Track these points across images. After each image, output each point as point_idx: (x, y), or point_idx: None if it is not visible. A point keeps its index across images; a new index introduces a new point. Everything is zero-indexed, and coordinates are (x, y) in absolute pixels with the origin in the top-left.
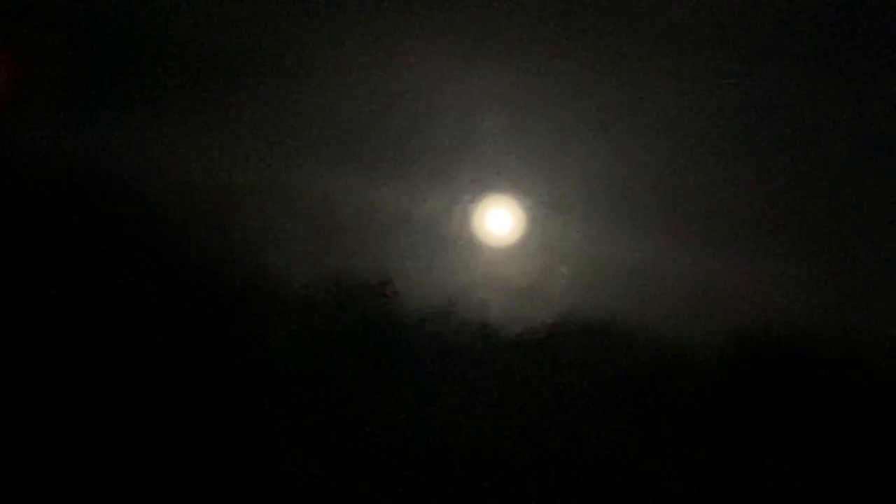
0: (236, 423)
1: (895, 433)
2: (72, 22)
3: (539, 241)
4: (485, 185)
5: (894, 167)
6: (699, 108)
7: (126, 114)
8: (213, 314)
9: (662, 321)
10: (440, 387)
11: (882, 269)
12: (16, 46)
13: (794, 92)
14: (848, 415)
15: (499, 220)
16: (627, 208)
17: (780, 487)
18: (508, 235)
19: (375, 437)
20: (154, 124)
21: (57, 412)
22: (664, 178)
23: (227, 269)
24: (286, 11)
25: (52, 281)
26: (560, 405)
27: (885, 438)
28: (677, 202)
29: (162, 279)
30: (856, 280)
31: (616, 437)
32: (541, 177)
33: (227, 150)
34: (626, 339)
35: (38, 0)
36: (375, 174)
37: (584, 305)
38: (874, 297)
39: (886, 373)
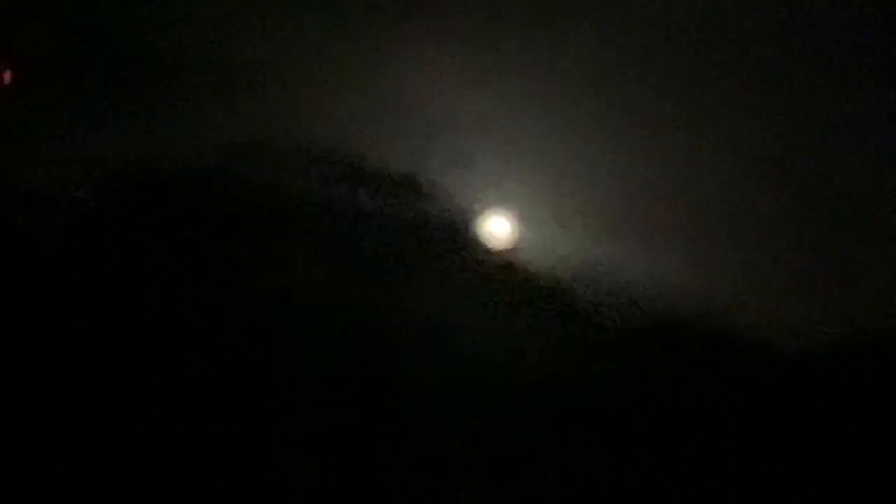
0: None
1: None
2: (71, 26)
3: (539, 250)
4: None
5: None
6: (700, 112)
7: (123, 114)
8: (230, 322)
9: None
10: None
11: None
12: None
13: (797, 92)
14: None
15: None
16: (630, 216)
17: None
18: (509, 245)
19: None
20: (152, 120)
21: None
22: (669, 182)
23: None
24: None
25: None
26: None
27: None
28: (685, 209)
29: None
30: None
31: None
32: (540, 188)
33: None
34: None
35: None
36: (374, 185)
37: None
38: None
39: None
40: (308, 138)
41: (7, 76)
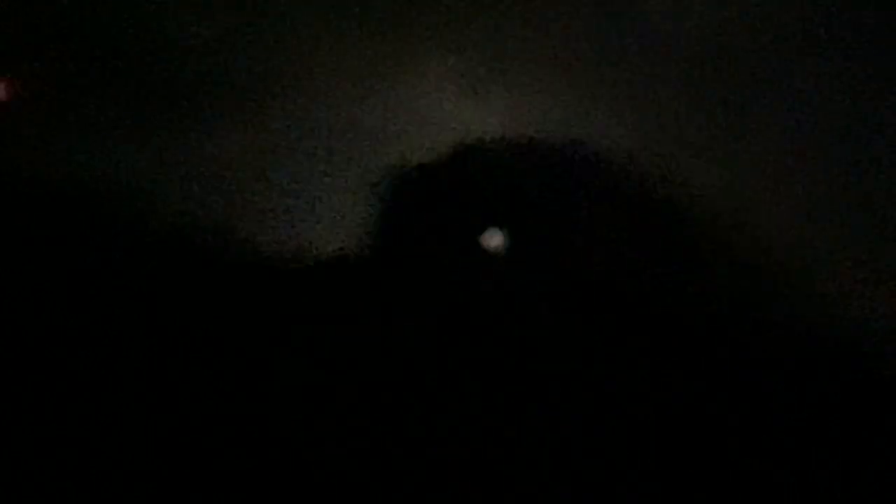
0: None
1: None
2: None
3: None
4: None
5: None
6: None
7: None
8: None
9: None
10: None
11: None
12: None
13: None
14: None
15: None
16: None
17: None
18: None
19: None
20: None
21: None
22: None
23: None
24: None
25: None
26: None
27: None
28: None
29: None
30: None
31: None
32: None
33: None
34: None
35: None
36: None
37: None
38: None
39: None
40: (326, 148)
41: (5, 92)
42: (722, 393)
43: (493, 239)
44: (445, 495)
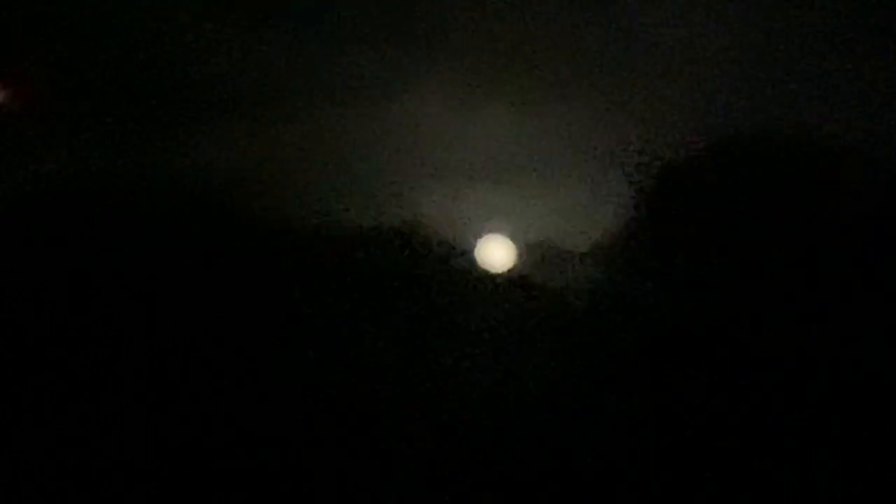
0: None
1: None
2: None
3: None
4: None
5: None
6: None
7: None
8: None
9: None
10: None
11: None
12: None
13: None
14: None
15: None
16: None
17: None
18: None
19: None
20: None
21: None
22: None
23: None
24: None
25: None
26: None
27: None
28: None
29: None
30: None
31: None
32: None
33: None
34: None
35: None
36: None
37: None
38: None
39: None
40: (321, 158)
41: (8, 95)
42: (722, 393)
43: (495, 245)
44: (445, 495)
